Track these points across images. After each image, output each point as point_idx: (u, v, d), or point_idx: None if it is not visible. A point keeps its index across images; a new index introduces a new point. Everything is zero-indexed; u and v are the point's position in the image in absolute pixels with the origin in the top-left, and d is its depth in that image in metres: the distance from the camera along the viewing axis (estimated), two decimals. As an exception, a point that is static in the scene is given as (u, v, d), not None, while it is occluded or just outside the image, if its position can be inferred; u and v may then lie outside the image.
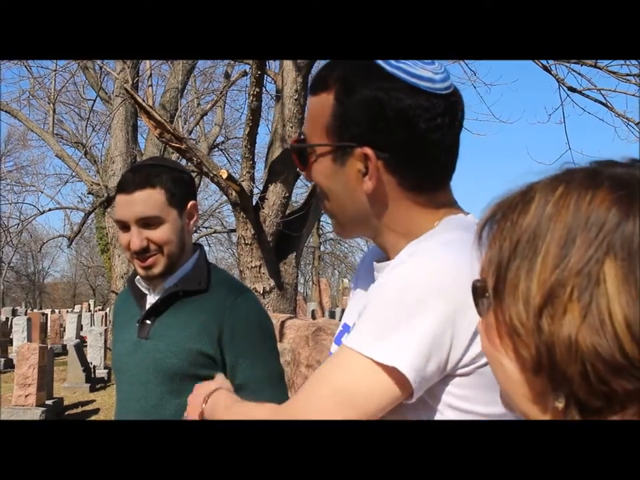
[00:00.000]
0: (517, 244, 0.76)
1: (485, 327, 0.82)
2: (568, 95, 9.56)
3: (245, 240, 11.49)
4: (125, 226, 2.13)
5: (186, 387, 2.02)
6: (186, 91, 17.20)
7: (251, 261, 11.70)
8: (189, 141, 10.93)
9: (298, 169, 1.34)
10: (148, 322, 2.17)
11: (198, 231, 30.78)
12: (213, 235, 32.64)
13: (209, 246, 37.88)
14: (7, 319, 24.22)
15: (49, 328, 24.27)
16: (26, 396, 10.25)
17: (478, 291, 0.82)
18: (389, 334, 1.16)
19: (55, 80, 16.14)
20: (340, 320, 1.62)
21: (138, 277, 2.23)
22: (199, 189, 25.68)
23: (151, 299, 2.20)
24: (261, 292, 11.67)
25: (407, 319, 1.16)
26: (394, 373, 1.16)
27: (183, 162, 10.90)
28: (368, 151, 1.26)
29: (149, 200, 2.10)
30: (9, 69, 18.14)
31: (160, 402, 2.09)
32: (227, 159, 24.72)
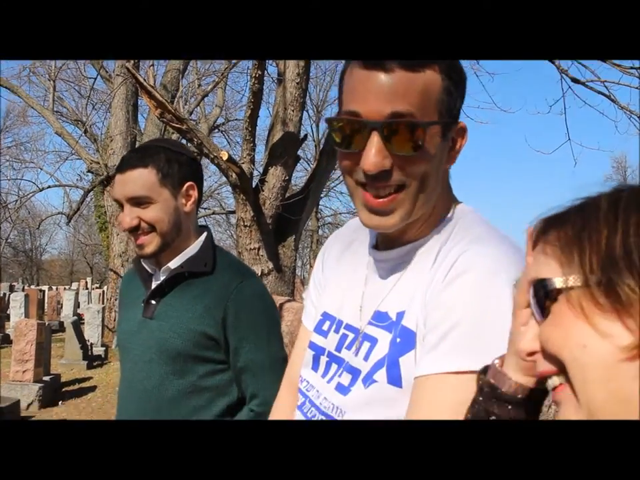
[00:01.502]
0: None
1: (558, 318, 0.85)
2: (570, 87, 9.55)
3: (244, 222, 11.50)
4: (120, 204, 2.17)
5: (189, 367, 2.09)
6: (187, 71, 17.16)
7: (250, 243, 11.72)
8: (190, 121, 10.92)
9: (384, 149, 1.23)
10: (153, 302, 2.19)
11: (197, 212, 30.68)
12: (211, 216, 32.60)
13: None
14: (4, 294, 24.24)
15: (46, 304, 24.30)
16: (23, 372, 10.28)
17: (550, 285, 0.86)
18: (485, 342, 1.14)
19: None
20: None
21: None
22: (198, 170, 25.58)
23: (157, 280, 2.23)
24: (260, 274, 11.69)
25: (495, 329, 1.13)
26: None
27: (184, 142, 10.89)
28: (464, 125, 1.31)
29: (139, 179, 2.12)
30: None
31: (162, 382, 2.11)
32: (227, 140, 24.73)
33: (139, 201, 2.13)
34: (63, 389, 11.33)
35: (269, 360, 2.10)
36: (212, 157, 10.24)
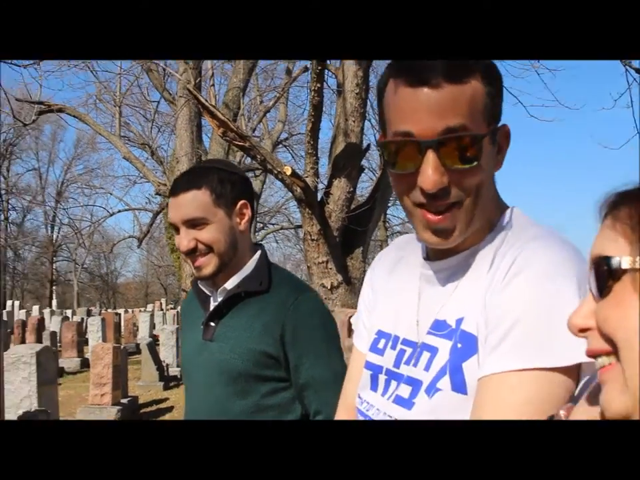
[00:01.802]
0: None
1: (619, 300, 0.82)
2: (635, 79, 9.29)
3: (311, 236, 11.48)
4: (176, 228, 2.17)
5: (251, 387, 2.08)
6: (248, 88, 17.29)
7: (318, 257, 11.69)
8: (253, 138, 10.96)
9: (440, 166, 1.23)
10: (212, 324, 2.20)
11: (265, 228, 31.03)
12: (280, 231, 32.82)
13: (277, 242, 38.17)
14: (82, 319, 24.76)
15: (122, 327, 24.74)
16: (102, 395, 10.45)
17: (615, 263, 0.83)
18: (552, 338, 1.13)
19: (120, 83, 16.37)
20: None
21: None
22: (265, 186, 25.86)
23: (215, 301, 2.23)
24: (329, 287, 11.64)
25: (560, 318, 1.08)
26: (570, 368, 1.13)
27: (248, 160, 10.94)
28: (508, 127, 1.31)
29: (193, 201, 2.12)
30: (76, 75, 18.48)
31: (226, 403, 2.11)
32: (291, 155, 24.86)
33: (194, 223, 2.13)
34: (141, 411, 11.46)
35: (330, 375, 2.07)
36: (276, 172, 10.27)
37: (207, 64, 12.35)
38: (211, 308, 2.22)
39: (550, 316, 1.13)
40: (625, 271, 0.82)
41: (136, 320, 25.16)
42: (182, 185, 2.16)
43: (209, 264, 2.14)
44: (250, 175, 24.93)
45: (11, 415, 7.57)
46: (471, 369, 1.23)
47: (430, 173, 1.21)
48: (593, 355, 0.87)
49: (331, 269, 11.62)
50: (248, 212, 2.22)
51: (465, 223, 1.27)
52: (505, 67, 10.73)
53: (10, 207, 52.21)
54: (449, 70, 1.21)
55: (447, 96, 1.20)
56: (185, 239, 2.13)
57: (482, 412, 1.17)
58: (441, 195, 1.23)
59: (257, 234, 26.49)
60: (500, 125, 1.31)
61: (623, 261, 0.82)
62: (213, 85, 11.74)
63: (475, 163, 1.23)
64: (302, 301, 2.12)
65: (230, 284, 2.19)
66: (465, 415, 1.21)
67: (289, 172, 10.02)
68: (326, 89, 11.21)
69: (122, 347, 12.20)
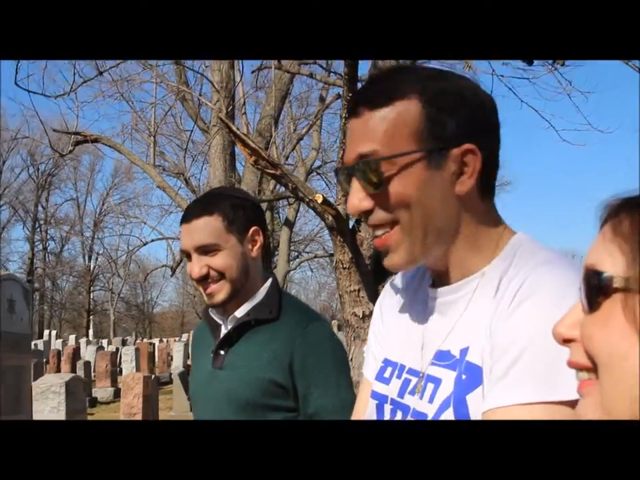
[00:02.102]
0: None
1: (606, 319, 0.77)
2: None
3: (342, 264, 11.38)
4: (188, 255, 2.16)
5: (259, 417, 2.07)
6: (282, 117, 17.35)
7: (350, 285, 11.57)
8: (284, 166, 10.94)
9: (365, 188, 1.25)
10: (221, 352, 2.19)
11: (300, 256, 31.06)
12: (315, 260, 32.82)
13: (312, 271, 38.23)
14: (117, 349, 24.87)
15: (156, 357, 24.80)
16: (132, 425, 10.40)
17: (608, 280, 0.77)
18: (559, 370, 1.04)
19: (154, 112, 16.52)
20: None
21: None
22: (299, 215, 25.89)
23: (224, 329, 2.22)
24: (361, 316, 11.51)
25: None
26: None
27: (281, 187, 10.95)
28: (472, 147, 1.23)
29: (205, 227, 2.13)
30: (111, 105, 18.78)
31: None
32: (325, 182, 24.84)
33: (206, 249, 2.12)
34: (172, 441, 11.37)
35: (339, 404, 2.04)
36: (307, 200, 10.22)
37: (239, 92, 12.38)
38: (221, 336, 2.21)
39: (556, 348, 1.02)
40: (616, 289, 0.76)
41: (170, 350, 25.21)
42: (194, 211, 2.16)
43: (220, 291, 2.12)
44: (283, 203, 25.01)
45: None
46: (475, 402, 1.18)
47: (351, 197, 1.26)
48: (574, 367, 0.83)
49: (362, 297, 11.50)
50: (260, 238, 2.22)
51: (406, 245, 1.26)
52: (538, 90, 10.64)
53: (48, 236, 53.04)
54: (370, 97, 1.26)
55: (363, 123, 1.25)
56: (196, 266, 2.12)
57: None
58: (370, 218, 1.27)
59: (291, 262, 26.47)
60: (464, 146, 1.24)
61: (616, 279, 0.76)
62: (244, 113, 11.75)
63: (387, 185, 1.23)
64: (311, 329, 2.11)
65: (240, 312, 2.18)
66: None
67: (320, 200, 9.96)
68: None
69: (153, 376, 12.18)
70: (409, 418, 1.31)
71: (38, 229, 51.92)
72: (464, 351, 1.24)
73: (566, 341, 0.84)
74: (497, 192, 1.34)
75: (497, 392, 1.12)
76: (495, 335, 1.17)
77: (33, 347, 24.24)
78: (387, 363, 1.44)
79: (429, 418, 1.25)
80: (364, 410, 1.48)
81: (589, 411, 0.80)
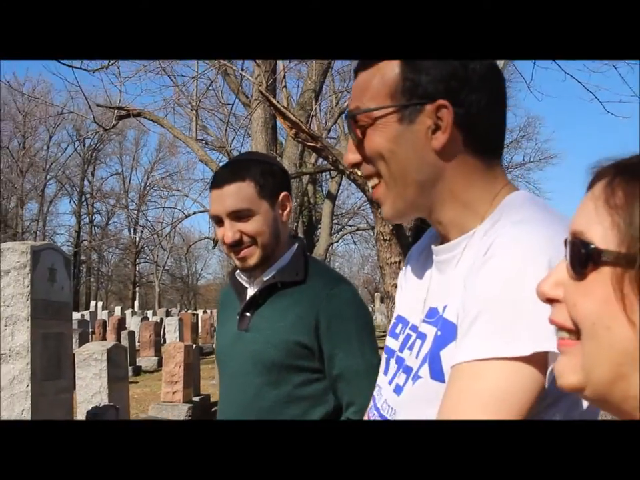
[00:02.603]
0: None
1: (593, 290, 0.77)
2: None
3: (383, 236, 11.38)
4: (219, 220, 2.17)
5: (284, 377, 2.10)
6: (324, 90, 17.30)
7: (390, 257, 11.58)
8: (325, 139, 10.95)
9: (353, 142, 1.34)
10: (247, 314, 2.21)
11: (343, 229, 31.05)
12: (358, 232, 32.80)
13: (355, 244, 38.19)
14: (161, 319, 25.20)
15: (199, 327, 25.07)
16: (173, 393, 10.59)
17: (594, 251, 0.77)
18: (518, 326, 1.10)
19: (197, 86, 16.59)
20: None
21: (238, 270, 2.28)
22: (342, 188, 25.85)
23: (251, 292, 2.24)
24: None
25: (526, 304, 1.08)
26: (536, 358, 1.09)
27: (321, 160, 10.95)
28: (444, 102, 1.26)
29: (238, 193, 2.13)
30: (152, 80, 18.82)
31: (259, 393, 2.12)
32: (367, 156, 24.74)
33: (239, 215, 2.13)
34: (213, 409, 11.55)
35: (363, 366, 2.06)
36: (348, 172, 10.24)
37: (279, 65, 12.40)
38: (247, 299, 2.23)
39: (516, 304, 1.10)
40: (605, 263, 0.76)
41: (214, 320, 25.45)
42: (225, 177, 2.17)
43: (252, 255, 2.15)
44: (326, 177, 24.98)
45: (82, 410, 7.73)
46: (448, 357, 1.21)
47: (345, 153, 1.37)
48: (555, 325, 0.83)
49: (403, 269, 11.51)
50: (289, 204, 2.23)
51: (391, 197, 1.32)
52: (583, 61, 10.46)
53: (95, 210, 53.73)
54: (363, 60, 1.34)
55: (355, 84, 1.35)
56: (229, 231, 2.13)
57: (446, 401, 1.16)
58: (362, 170, 1.35)
59: (334, 235, 26.51)
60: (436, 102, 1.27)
61: (606, 253, 0.76)
62: (285, 86, 11.76)
63: (365, 138, 1.31)
64: (337, 292, 2.12)
65: (266, 275, 2.20)
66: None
67: (360, 172, 9.97)
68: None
69: (195, 346, 12.34)
70: (400, 372, 1.38)
71: (84, 203, 52.61)
72: (445, 308, 1.28)
73: (549, 300, 0.85)
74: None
75: (461, 348, 1.16)
76: (466, 290, 1.21)
77: (80, 317, 24.73)
78: (398, 319, 1.51)
79: (412, 373, 1.31)
80: None
81: (567, 370, 0.81)
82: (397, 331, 1.49)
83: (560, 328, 0.83)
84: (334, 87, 19.37)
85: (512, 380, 1.09)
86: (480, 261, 1.19)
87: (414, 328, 1.40)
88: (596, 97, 10.76)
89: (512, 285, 1.11)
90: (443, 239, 1.38)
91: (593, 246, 0.77)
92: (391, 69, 1.29)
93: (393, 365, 1.45)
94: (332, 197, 22.79)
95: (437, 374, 1.24)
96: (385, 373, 1.47)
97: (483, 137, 1.30)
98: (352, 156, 1.34)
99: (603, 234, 0.77)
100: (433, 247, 1.41)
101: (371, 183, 1.35)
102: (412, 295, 1.48)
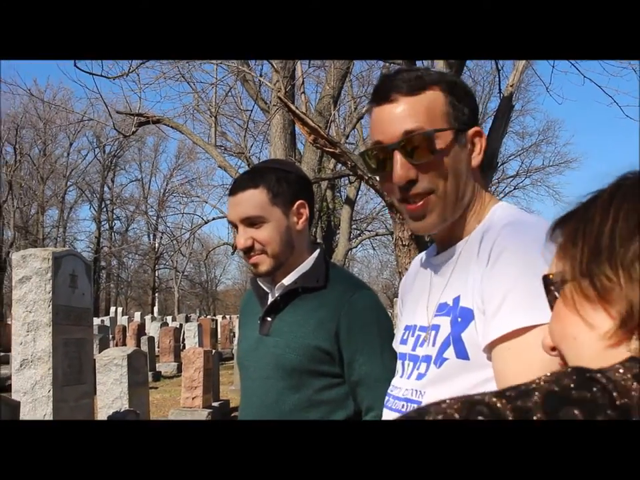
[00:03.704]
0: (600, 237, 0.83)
1: (557, 314, 0.90)
2: None
3: (402, 241, 11.38)
4: (235, 226, 2.21)
5: (305, 382, 2.12)
6: (342, 96, 17.32)
7: (409, 262, 11.56)
8: (343, 145, 10.97)
9: (407, 160, 1.50)
10: (268, 319, 2.23)
11: (362, 234, 31.04)
12: (377, 238, 32.78)
13: (374, 249, 38.15)
14: (181, 325, 25.28)
15: (219, 333, 25.13)
16: (193, 398, 10.63)
17: (552, 281, 0.90)
18: (542, 299, 1.21)
19: (215, 93, 16.65)
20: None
21: None
22: (360, 193, 25.86)
23: (272, 297, 2.26)
24: (420, 293, 11.52)
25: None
26: None
27: (339, 166, 10.97)
28: (479, 129, 1.54)
29: (251, 200, 2.16)
30: (171, 87, 18.93)
31: (280, 397, 2.14)
32: (386, 161, 24.72)
33: (252, 221, 2.17)
34: (232, 414, 11.58)
35: (383, 372, 2.06)
36: (366, 178, 10.25)
37: (298, 71, 12.44)
38: (269, 303, 2.25)
39: (532, 283, 1.22)
40: (558, 287, 0.88)
41: (233, 326, 25.51)
42: (240, 184, 2.21)
43: (263, 262, 2.17)
44: (345, 182, 24.98)
45: (102, 415, 7.78)
46: (470, 337, 1.42)
47: (397, 169, 1.48)
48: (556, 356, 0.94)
49: (421, 274, 11.50)
50: (305, 212, 2.24)
51: (440, 208, 1.51)
52: (602, 65, 10.42)
53: (114, 216, 54.03)
54: (401, 86, 1.50)
55: (403, 106, 1.50)
56: (242, 237, 2.17)
57: (507, 371, 1.32)
58: (410, 186, 1.49)
59: (352, 241, 26.50)
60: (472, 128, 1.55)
61: (553, 277, 0.89)
62: (303, 92, 11.78)
63: (435, 155, 1.48)
64: (358, 297, 2.14)
65: (287, 280, 2.21)
66: (469, 378, 1.43)
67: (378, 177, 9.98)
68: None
69: (214, 351, 12.38)
70: (419, 364, 1.57)
71: (104, 209, 52.89)
72: (456, 299, 1.50)
73: (553, 349, 0.94)
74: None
75: (495, 325, 1.34)
76: (483, 284, 1.41)
77: (100, 322, 24.86)
78: (405, 328, 1.71)
79: (432, 359, 1.51)
80: None
81: None
82: (405, 337, 1.70)
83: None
84: (352, 93, 19.37)
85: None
86: (487, 258, 1.42)
87: (423, 328, 1.60)
88: (615, 101, 10.70)
89: (527, 268, 1.30)
90: (440, 248, 1.64)
91: (547, 277, 0.91)
92: (438, 97, 1.51)
93: (407, 364, 1.64)
94: (350, 202, 22.79)
95: (462, 353, 1.44)
96: (401, 374, 1.66)
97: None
98: (411, 173, 1.48)
99: (552, 266, 0.91)
100: (431, 258, 1.67)
101: (418, 198, 1.51)
102: (413, 303, 1.71)
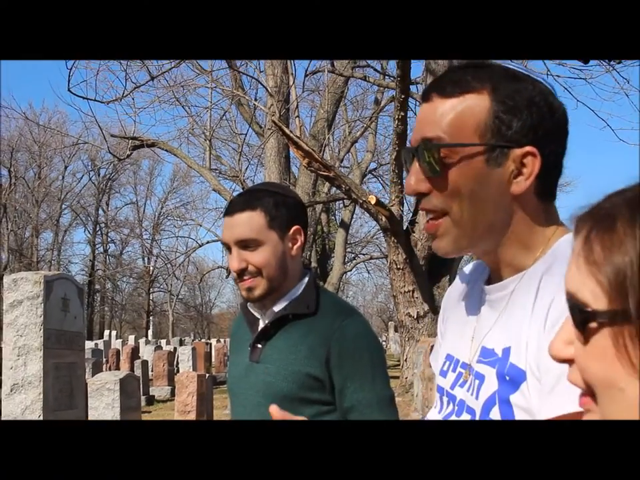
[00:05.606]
0: None
1: (598, 352, 0.75)
2: None
3: (396, 265, 11.41)
4: (228, 247, 2.16)
5: (295, 410, 2.04)
6: (338, 120, 17.41)
7: (404, 286, 11.60)
8: (337, 168, 10.99)
9: (424, 172, 1.29)
10: (259, 345, 2.19)
11: (356, 257, 31.07)
12: (372, 261, 32.81)
13: (369, 272, 38.19)
14: (175, 348, 25.17)
15: (213, 357, 25.03)
16: (186, 423, 10.54)
17: (590, 317, 0.75)
18: None
19: (210, 116, 16.71)
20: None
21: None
22: (355, 217, 25.90)
23: (262, 324, 2.23)
24: (415, 317, 11.54)
25: None
26: None
27: (334, 189, 11.02)
28: (534, 150, 1.25)
29: (247, 222, 2.12)
30: (167, 111, 19.03)
31: None
32: (381, 184, 24.85)
33: (246, 244, 2.12)
34: (226, 440, 11.47)
35: (375, 399, 2.05)
36: (361, 201, 10.27)
37: (292, 95, 12.49)
38: (259, 330, 2.22)
39: None
40: (602, 323, 0.74)
41: (227, 350, 25.39)
42: (237, 205, 2.16)
43: (257, 286, 2.13)
44: (339, 205, 25.04)
45: (94, 440, 7.70)
46: (518, 401, 1.23)
47: (409, 178, 1.31)
48: (574, 384, 0.81)
49: (417, 297, 11.52)
50: (301, 238, 2.21)
51: (452, 235, 1.30)
52: (594, 90, 10.53)
53: (109, 239, 54.02)
54: (443, 85, 1.29)
55: (432, 109, 1.29)
56: (235, 260, 2.13)
57: None
58: (425, 201, 1.31)
59: (347, 264, 26.49)
60: (524, 149, 1.26)
61: (600, 314, 0.73)
62: (298, 115, 11.82)
63: (445, 172, 1.26)
64: (348, 324, 2.10)
65: (278, 306, 2.18)
66: None
67: (373, 201, 10.00)
68: (411, 117, 11.17)
69: (208, 375, 12.32)
70: (456, 409, 1.39)
71: (99, 232, 52.86)
72: (506, 351, 1.28)
73: (563, 361, 0.83)
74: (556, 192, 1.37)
75: (551, 401, 1.15)
76: (540, 350, 1.19)
77: (93, 346, 24.75)
78: (447, 357, 1.49)
79: (477, 414, 1.31)
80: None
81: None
82: (445, 368, 1.49)
83: (578, 387, 0.81)
84: (347, 117, 19.48)
85: None
86: (545, 316, 1.20)
87: (464, 366, 1.40)
88: (608, 125, 10.78)
89: None
90: (494, 276, 1.39)
91: (588, 309, 0.75)
92: (479, 105, 1.27)
93: (446, 401, 1.46)
94: (345, 226, 22.83)
95: (509, 417, 1.25)
96: (439, 410, 1.49)
97: (553, 183, 1.31)
98: (421, 186, 1.30)
99: (592, 294, 0.75)
100: (485, 285, 1.41)
101: (431, 215, 1.32)
102: (457, 332, 1.49)
